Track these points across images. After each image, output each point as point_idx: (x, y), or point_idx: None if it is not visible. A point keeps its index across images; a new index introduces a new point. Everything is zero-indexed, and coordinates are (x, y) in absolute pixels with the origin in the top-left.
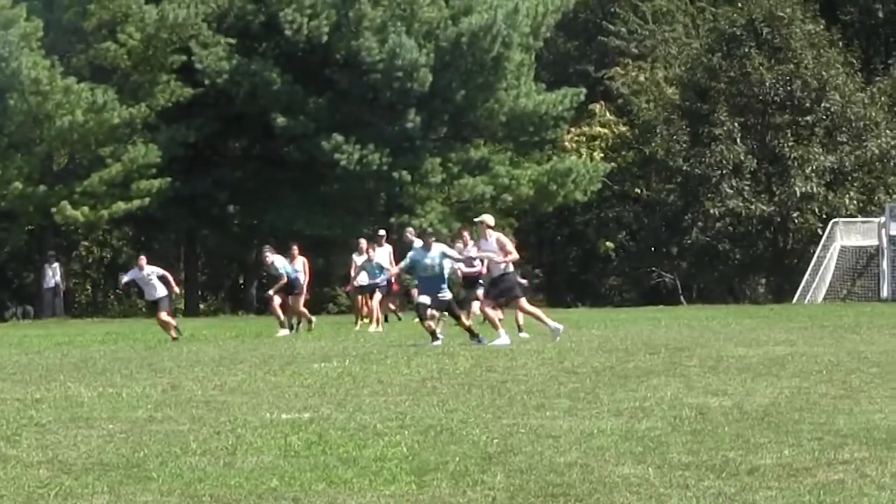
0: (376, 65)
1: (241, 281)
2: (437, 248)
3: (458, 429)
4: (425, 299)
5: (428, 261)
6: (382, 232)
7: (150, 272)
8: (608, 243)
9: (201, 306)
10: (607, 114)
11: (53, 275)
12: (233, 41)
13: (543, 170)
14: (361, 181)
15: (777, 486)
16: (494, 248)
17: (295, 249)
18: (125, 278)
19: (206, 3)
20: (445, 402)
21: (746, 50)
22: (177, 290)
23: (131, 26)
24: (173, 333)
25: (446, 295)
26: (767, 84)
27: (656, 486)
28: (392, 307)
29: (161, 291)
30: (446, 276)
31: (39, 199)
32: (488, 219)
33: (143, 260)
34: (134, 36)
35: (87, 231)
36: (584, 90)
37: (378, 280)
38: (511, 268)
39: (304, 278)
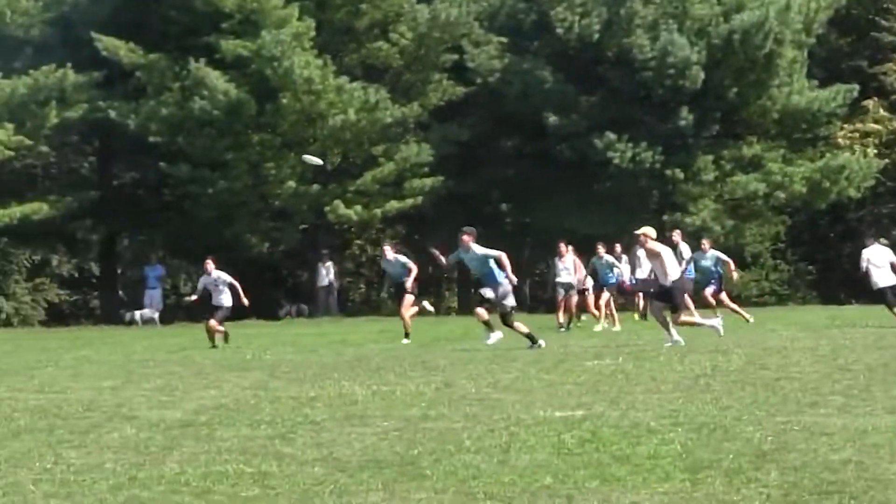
0: (648, 62)
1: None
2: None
3: (731, 426)
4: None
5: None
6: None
7: (218, 277)
8: (882, 240)
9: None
10: (881, 110)
11: (327, 273)
12: (504, 40)
13: (816, 167)
14: (634, 179)
15: None
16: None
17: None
18: (199, 286)
19: (478, 2)
20: (719, 399)
21: None
22: (245, 301)
23: (403, 26)
24: (218, 341)
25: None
26: None
27: None
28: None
29: (227, 301)
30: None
31: (313, 198)
32: (648, 231)
33: (210, 265)
34: (406, 35)
35: (361, 230)
36: (857, 86)
37: (610, 280)
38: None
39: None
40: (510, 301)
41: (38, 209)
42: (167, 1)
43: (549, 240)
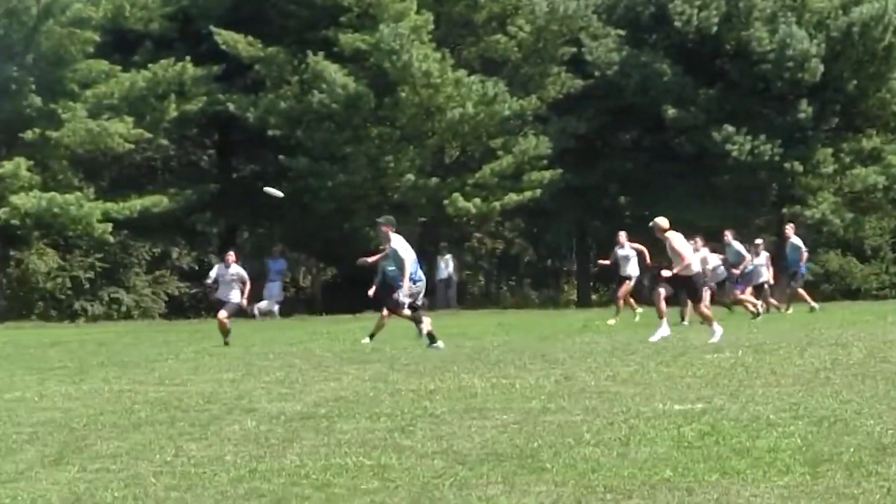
0: (767, 55)
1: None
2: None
3: (851, 419)
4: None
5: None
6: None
7: (236, 272)
8: None
9: (593, 297)
10: None
11: (446, 266)
12: (622, 32)
13: None
14: (753, 172)
15: None
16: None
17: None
18: (213, 274)
19: None
20: (839, 392)
21: None
22: (244, 303)
23: (521, 19)
24: (228, 338)
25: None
26: None
27: None
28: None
29: (236, 297)
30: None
31: (432, 191)
32: (661, 221)
33: (231, 257)
34: (524, 28)
35: (479, 223)
36: None
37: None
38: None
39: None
40: (402, 298)
41: (157, 202)
42: None
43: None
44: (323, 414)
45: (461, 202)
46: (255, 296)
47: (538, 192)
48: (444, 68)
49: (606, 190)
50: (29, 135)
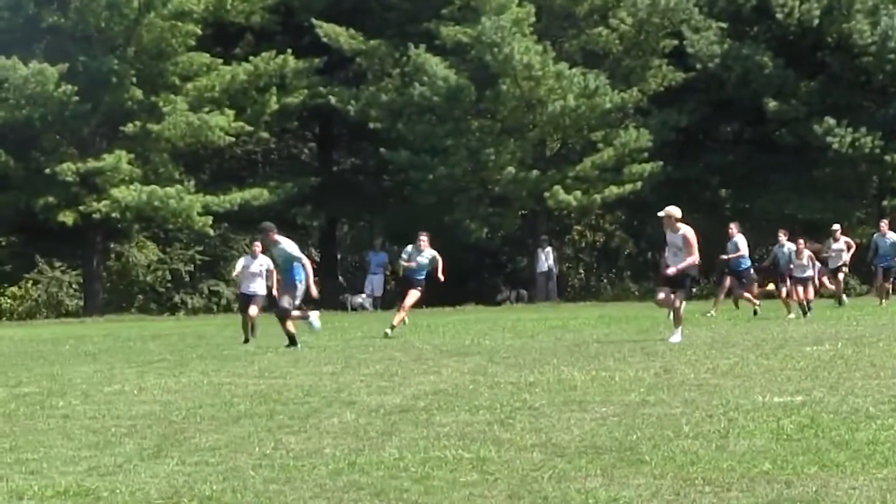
0: (868, 48)
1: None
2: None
3: None
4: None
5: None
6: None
7: (263, 262)
8: None
9: (693, 290)
10: None
11: (546, 259)
12: (724, 25)
13: None
14: (853, 165)
15: None
16: (679, 244)
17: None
18: (238, 265)
19: None
20: None
21: None
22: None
23: (623, 11)
24: (253, 334)
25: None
26: None
27: None
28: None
29: (262, 289)
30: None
31: (532, 184)
32: (674, 211)
33: (257, 247)
34: (626, 21)
35: (580, 215)
36: None
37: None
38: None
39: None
40: (286, 303)
41: (258, 195)
42: None
43: (769, 226)
44: (422, 407)
45: (562, 195)
46: (356, 288)
47: (639, 184)
48: (545, 61)
49: (707, 183)
50: (130, 128)
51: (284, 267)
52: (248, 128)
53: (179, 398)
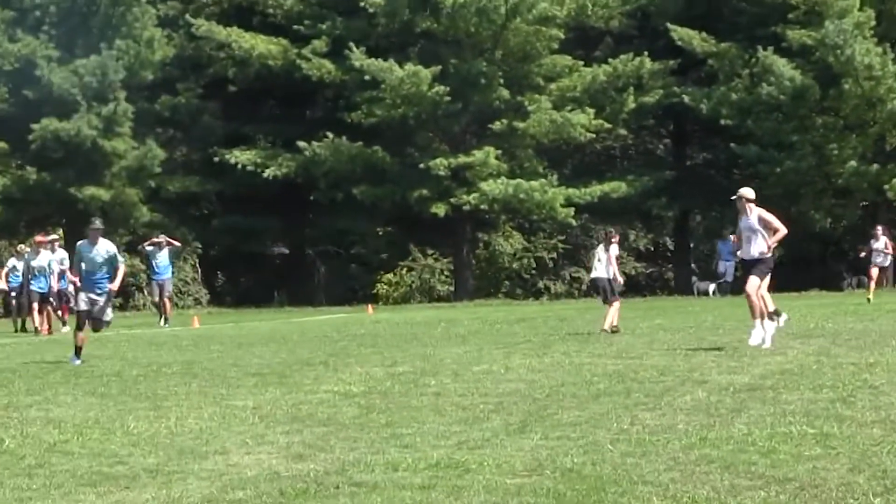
0: None
1: None
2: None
3: None
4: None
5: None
6: None
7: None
8: None
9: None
10: None
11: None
12: None
13: None
14: None
15: None
16: (754, 226)
17: None
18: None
19: None
20: None
21: None
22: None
23: None
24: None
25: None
26: None
27: None
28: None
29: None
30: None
31: (873, 177)
32: (747, 192)
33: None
34: None
35: None
36: None
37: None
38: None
39: None
40: (109, 315)
41: (616, 188)
42: None
43: None
44: (769, 385)
45: None
46: (707, 275)
47: None
48: (885, 62)
49: None
50: (497, 125)
51: (103, 268)
52: (607, 125)
53: (543, 377)
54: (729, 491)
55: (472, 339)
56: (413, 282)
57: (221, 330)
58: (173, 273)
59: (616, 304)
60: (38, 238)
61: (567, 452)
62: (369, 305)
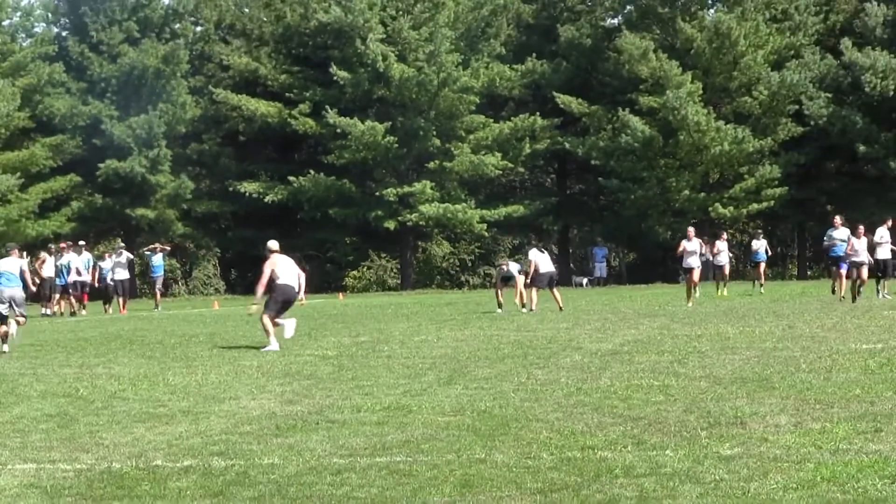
0: None
1: None
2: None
3: None
4: None
5: None
6: None
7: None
8: None
9: (808, 273)
10: None
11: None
12: (829, 95)
13: None
14: None
15: None
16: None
17: None
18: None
19: None
20: None
21: None
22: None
23: (762, 86)
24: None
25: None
26: None
27: None
28: None
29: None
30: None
31: (700, 202)
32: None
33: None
34: (763, 93)
35: (731, 223)
36: None
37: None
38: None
39: None
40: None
41: (516, 209)
42: (603, 68)
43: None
44: (626, 351)
45: (719, 209)
46: (582, 272)
47: (772, 203)
48: (709, 120)
49: (818, 201)
50: (432, 165)
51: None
52: (510, 165)
53: (464, 345)
54: (597, 426)
55: (414, 317)
56: (371, 276)
57: (235, 311)
58: (165, 271)
59: (535, 291)
60: (63, 244)
61: (482, 398)
62: (340, 293)
